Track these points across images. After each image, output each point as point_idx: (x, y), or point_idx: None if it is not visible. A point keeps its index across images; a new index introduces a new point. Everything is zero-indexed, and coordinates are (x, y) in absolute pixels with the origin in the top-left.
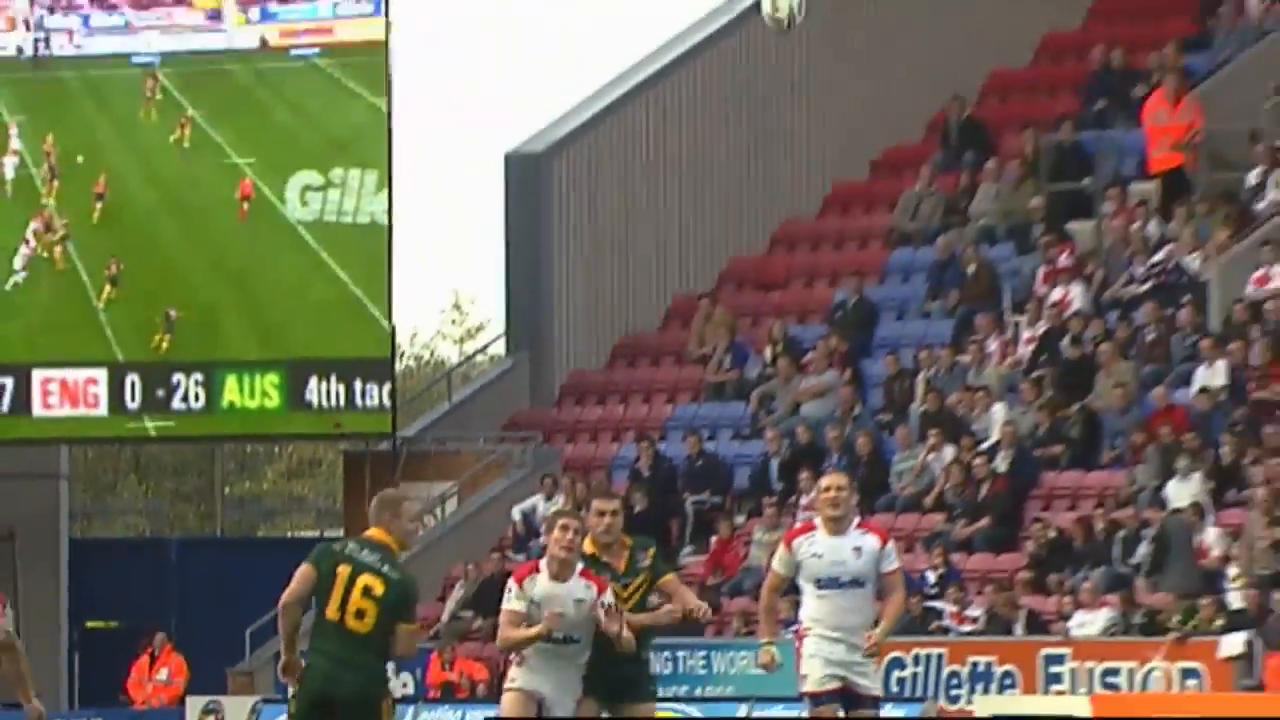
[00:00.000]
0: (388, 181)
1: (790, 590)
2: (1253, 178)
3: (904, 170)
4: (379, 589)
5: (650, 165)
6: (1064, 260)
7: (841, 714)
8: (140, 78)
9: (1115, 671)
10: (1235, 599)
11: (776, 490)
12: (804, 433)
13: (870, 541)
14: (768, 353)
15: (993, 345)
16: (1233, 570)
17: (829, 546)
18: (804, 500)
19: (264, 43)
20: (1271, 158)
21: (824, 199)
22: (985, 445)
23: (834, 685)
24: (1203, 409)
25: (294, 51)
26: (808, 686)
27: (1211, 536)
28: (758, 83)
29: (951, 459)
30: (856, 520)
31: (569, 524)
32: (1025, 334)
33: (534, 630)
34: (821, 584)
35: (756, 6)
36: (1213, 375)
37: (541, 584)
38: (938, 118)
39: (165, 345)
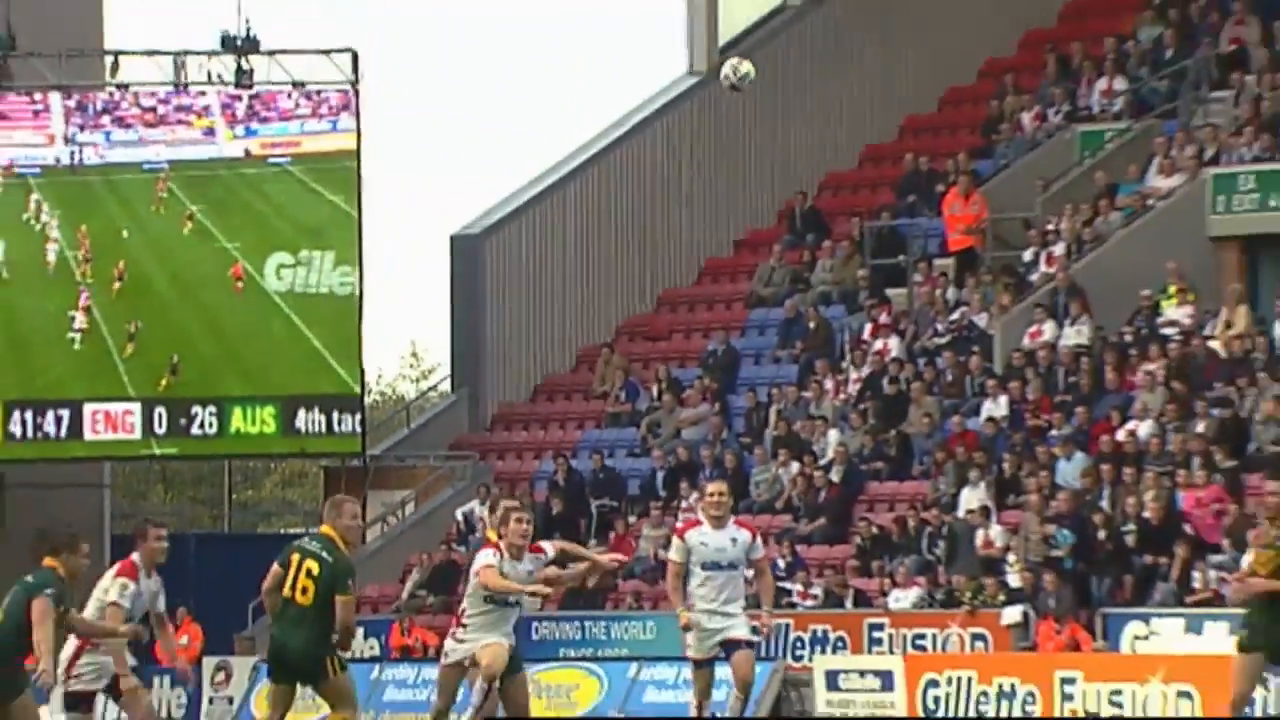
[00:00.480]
0: (358, 259)
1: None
2: (1027, 255)
3: (760, 248)
4: (316, 569)
5: (564, 244)
6: (884, 319)
7: (720, 669)
8: (152, 181)
9: (922, 636)
10: (1014, 579)
11: (661, 497)
12: (683, 452)
13: (743, 535)
14: (654, 389)
15: (829, 384)
16: (1011, 557)
17: (713, 538)
18: (684, 504)
19: (247, 153)
20: (1042, 239)
21: (699, 271)
22: (823, 461)
23: (714, 653)
24: (989, 433)
25: (270, 160)
26: (692, 654)
27: (995, 532)
28: (647, 184)
29: (797, 472)
30: (732, 518)
31: (522, 516)
32: (854, 375)
33: (526, 588)
34: (706, 566)
35: (659, 113)
36: (997, 408)
37: (506, 564)
38: (786, 207)
39: (171, 385)
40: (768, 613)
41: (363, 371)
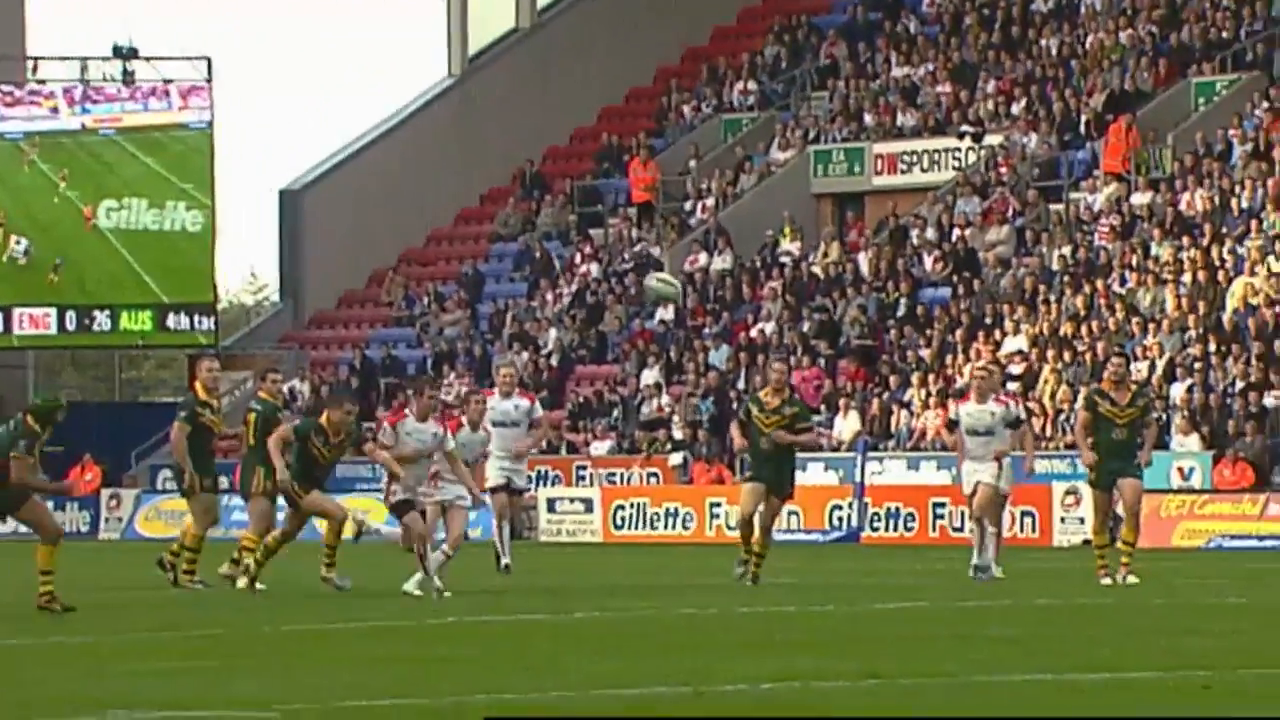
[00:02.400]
0: (212, 207)
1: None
2: (688, 205)
3: (499, 200)
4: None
5: (363, 196)
6: (587, 250)
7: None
8: (15, 148)
9: (614, 474)
10: (678, 434)
11: (431, 376)
12: (445, 345)
13: (524, 402)
14: (425, 300)
15: (549, 297)
16: (676, 419)
17: (504, 403)
18: (444, 383)
19: (83, 126)
20: (698, 194)
21: (456, 216)
22: (545, 352)
23: (501, 481)
24: (661, 332)
25: (101, 131)
26: (487, 485)
27: (665, 401)
28: (419, 155)
29: (528, 359)
30: (517, 390)
31: (434, 395)
32: (566, 291)
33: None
34: (498, 424)
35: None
36: (666, 313)
37: (410, 424)
38: (518, 172)
39: (71, 293)
40: (534, 441)
41: (215, 287)
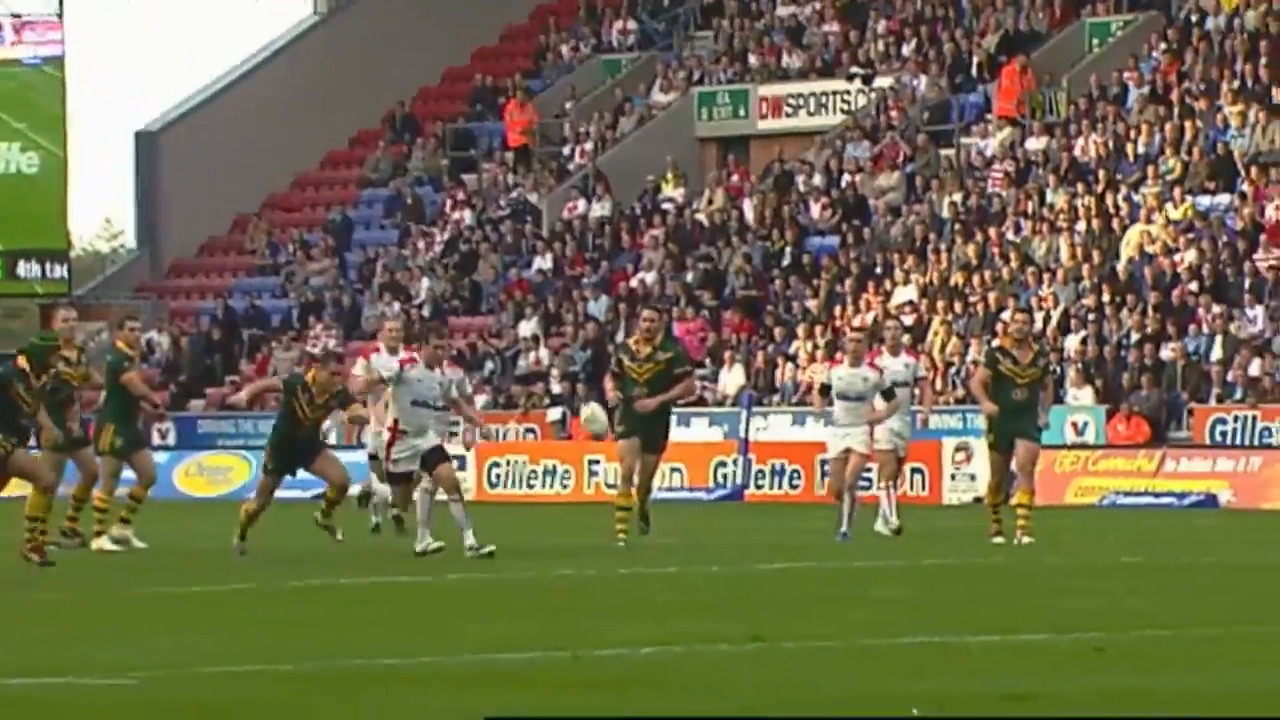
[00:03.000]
0: (63, 145)
1: None
2: (566, 150)
3: (369, 143)
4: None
5: (223, 139)
6: (460, 196)
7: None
8: None
9: (489, 430)
10: (556, 388)
11: (295, 329)
12: (311, 295)
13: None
14: (290, 248)
15: (421, 244)
16: (554, 372)
17: (390, 360)
18: (311, 334)
19: None
20: (576, 138)
21: (323, 160)
22: (417, 301)
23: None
24: (538, 281)
25: None
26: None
27: (543, 354)
28: (285, 96)
29: (399, 309)
30: (402, 347)
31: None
32: (439, 238)
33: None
34: (397, 382)
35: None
36: (544, 262)
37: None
38: (388, 114)
39: None
40: (475, 418)
41: (67, 233)
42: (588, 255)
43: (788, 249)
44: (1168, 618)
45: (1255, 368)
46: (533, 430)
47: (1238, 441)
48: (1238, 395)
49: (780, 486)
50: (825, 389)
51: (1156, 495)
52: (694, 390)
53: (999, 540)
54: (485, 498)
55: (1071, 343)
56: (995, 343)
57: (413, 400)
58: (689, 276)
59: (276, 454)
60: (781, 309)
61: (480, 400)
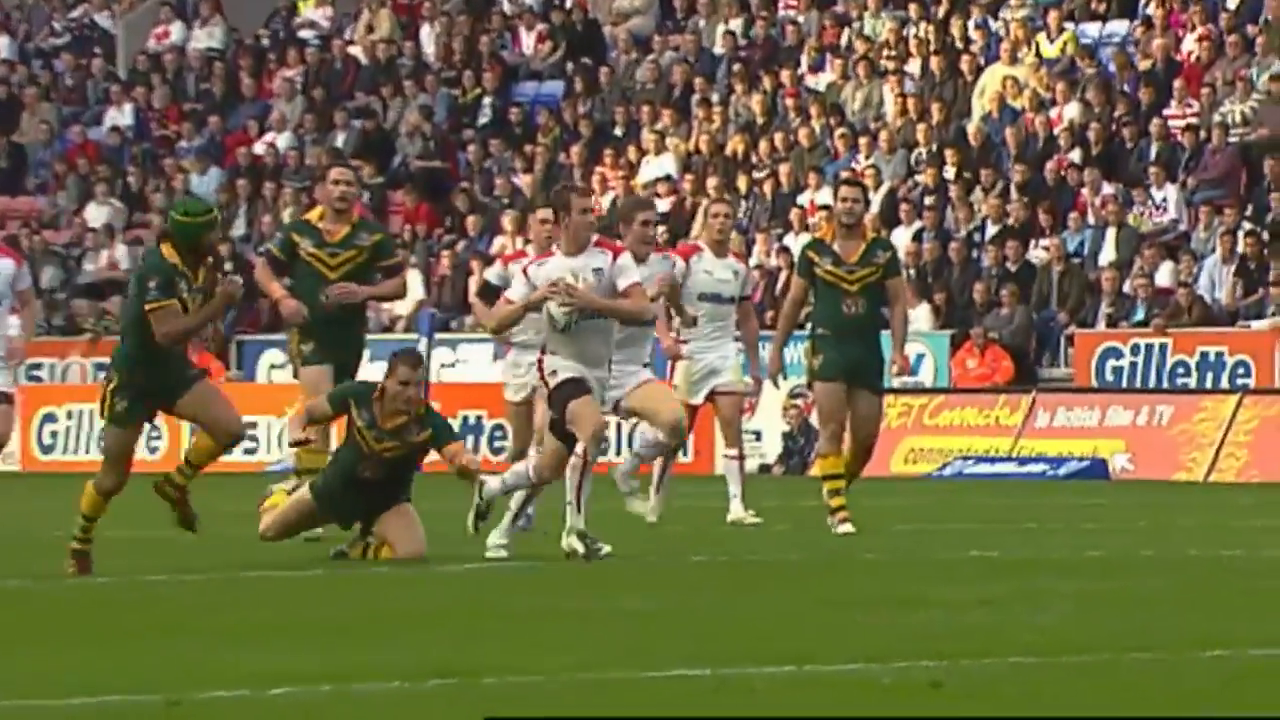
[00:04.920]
0: None
1: None
2: None
3: None
4: None
5: None
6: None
7: None
8: None
9: (40, 368)
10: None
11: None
12: None
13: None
14: None
15: None
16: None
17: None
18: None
19: None
20: None
21: None
22: None
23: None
24: (114, 144)
25: None
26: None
27: (120, 252)
28: None
29: None
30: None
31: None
32: None
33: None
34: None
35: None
36: (121, 116)
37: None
38: None
39: None
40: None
41: None
42: (187, 107)
43: (486, 100)
44: (1032, 639)
45: (1165, 274)
46: (103, 366)
47: (1138, 383)
48: (1139, 316)
49: (477, 449)
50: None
51: (1021, 461)
52: (404, 291)
53: (846, 529)
54: (36, 467)
55: (900, 239)
56: (810, 236)
57: None
58: (340, 139)
59: None
60: (479, 188)
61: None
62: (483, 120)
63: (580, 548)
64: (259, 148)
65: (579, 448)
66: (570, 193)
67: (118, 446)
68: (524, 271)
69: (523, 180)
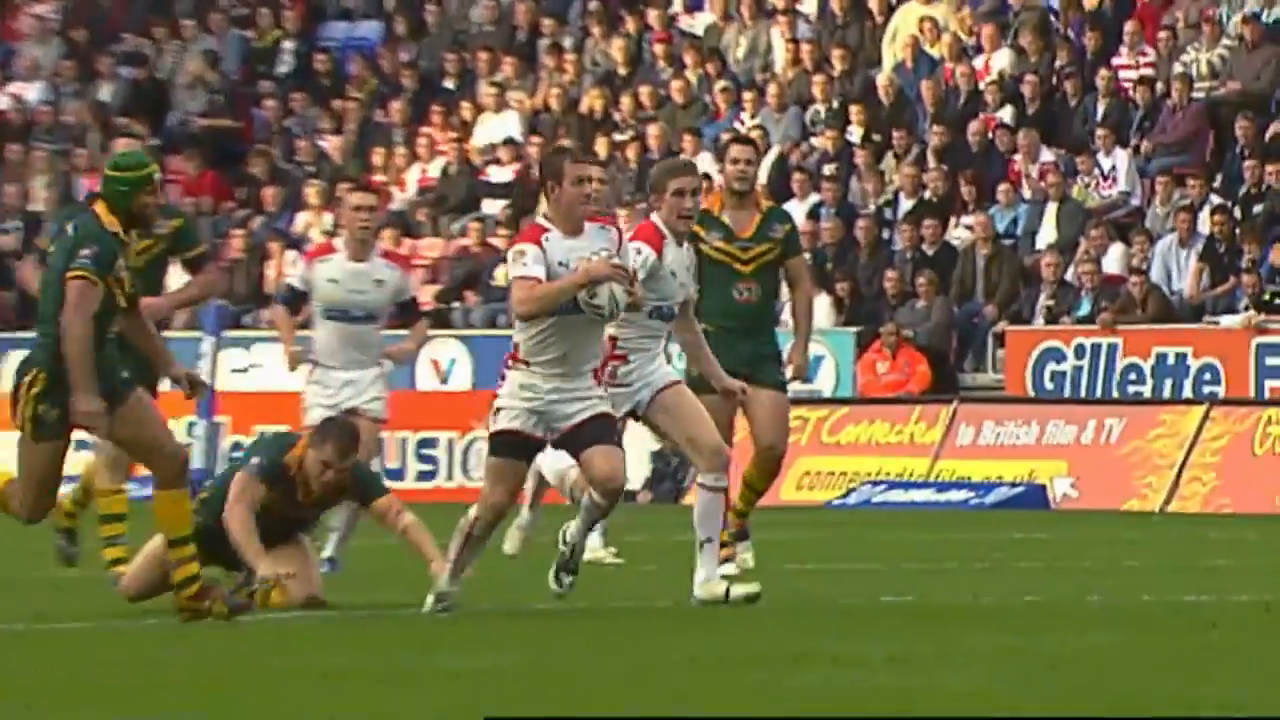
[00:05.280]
0: None
1: None
2: None
3: None
4: None
5: None
6: None
7: None
8: None
9: None
10: None
11: None
12: None
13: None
14: None
15: None
16: None
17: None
18: None
19: None
20: None
21: None
22: None
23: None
24: None
25: None
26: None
27: None
28: None
29: None
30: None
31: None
32: None
33: None
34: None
35: None
36: None
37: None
38: None
39: None
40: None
41: None
42: None
43: (287, 45)
44: (951, 704)
45: (1115, 259)
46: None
47: (1082, 392)
48: (1083, 310)
49: None
50: (293, 296)
51: (940, 487)
52: (219, 288)
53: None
54: None
55: (796, 213)
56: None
57: None
58: (104, 93)
59: None
60: (278, 153)
61: None
62: (282, 69)
63: (436, 607)
64: (3, 101)
65: (471, 511)
66: (563, 158)
67: (46, 466)
68: (539, 244)
69: (330, 143)
